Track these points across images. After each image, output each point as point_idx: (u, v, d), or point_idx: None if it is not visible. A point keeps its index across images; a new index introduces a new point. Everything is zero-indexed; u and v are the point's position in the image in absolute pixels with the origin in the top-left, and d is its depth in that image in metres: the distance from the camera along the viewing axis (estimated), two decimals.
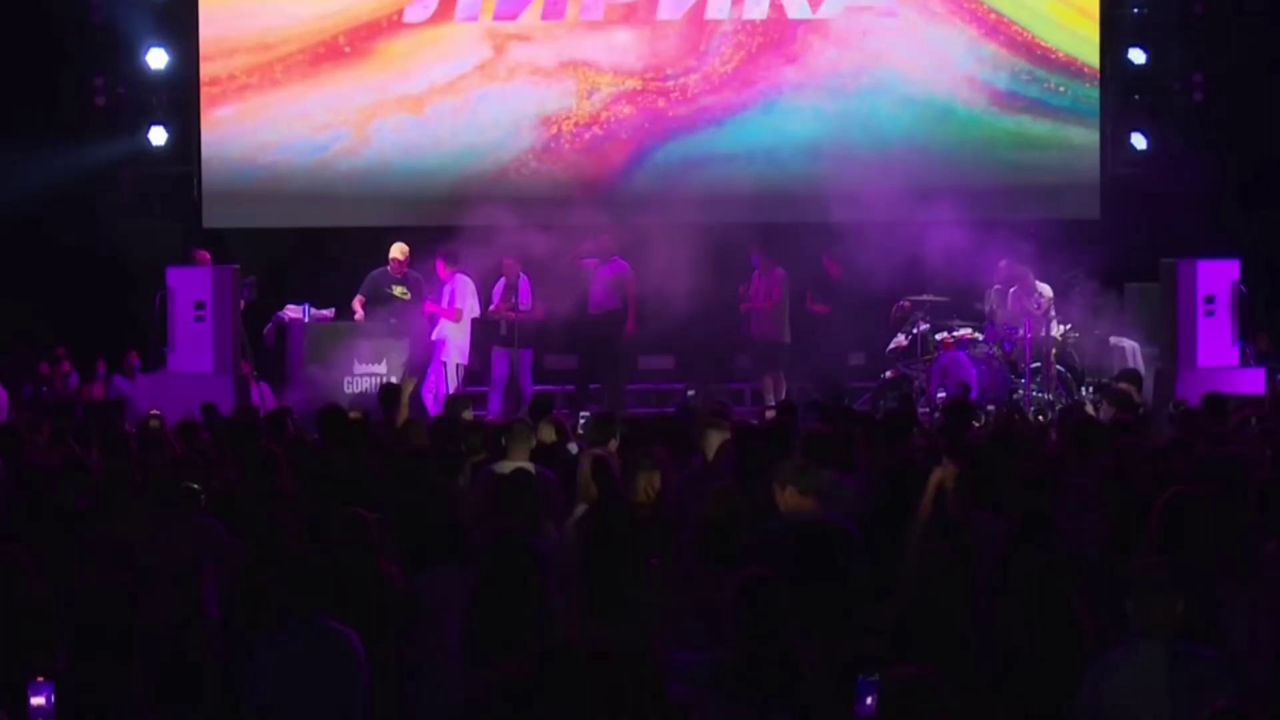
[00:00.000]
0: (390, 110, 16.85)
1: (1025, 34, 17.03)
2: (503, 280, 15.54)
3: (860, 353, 16.57)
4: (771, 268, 15.93)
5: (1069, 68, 17.06)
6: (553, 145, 16.99)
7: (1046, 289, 15.37)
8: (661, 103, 17.01)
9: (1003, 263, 15.88)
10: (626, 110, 17.00)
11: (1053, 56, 17.06)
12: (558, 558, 6.98)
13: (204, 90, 16.72)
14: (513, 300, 15.41)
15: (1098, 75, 17.06)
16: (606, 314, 15.83)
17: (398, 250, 15.29)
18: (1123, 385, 12.46)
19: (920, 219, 15.33)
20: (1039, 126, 17.09)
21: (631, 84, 16.99)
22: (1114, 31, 17.14)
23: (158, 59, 16.79)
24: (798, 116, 16.96)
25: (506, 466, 8.32)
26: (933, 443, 9.55)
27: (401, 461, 8.33)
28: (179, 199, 16.96)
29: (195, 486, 7.60)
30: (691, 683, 5.25)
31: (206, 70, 16.73)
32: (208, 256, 15.38)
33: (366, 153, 16.92)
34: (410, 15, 16.84)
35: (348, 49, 16.81)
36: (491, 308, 15.47)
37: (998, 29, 17.02)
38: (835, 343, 15.90)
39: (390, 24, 16.77)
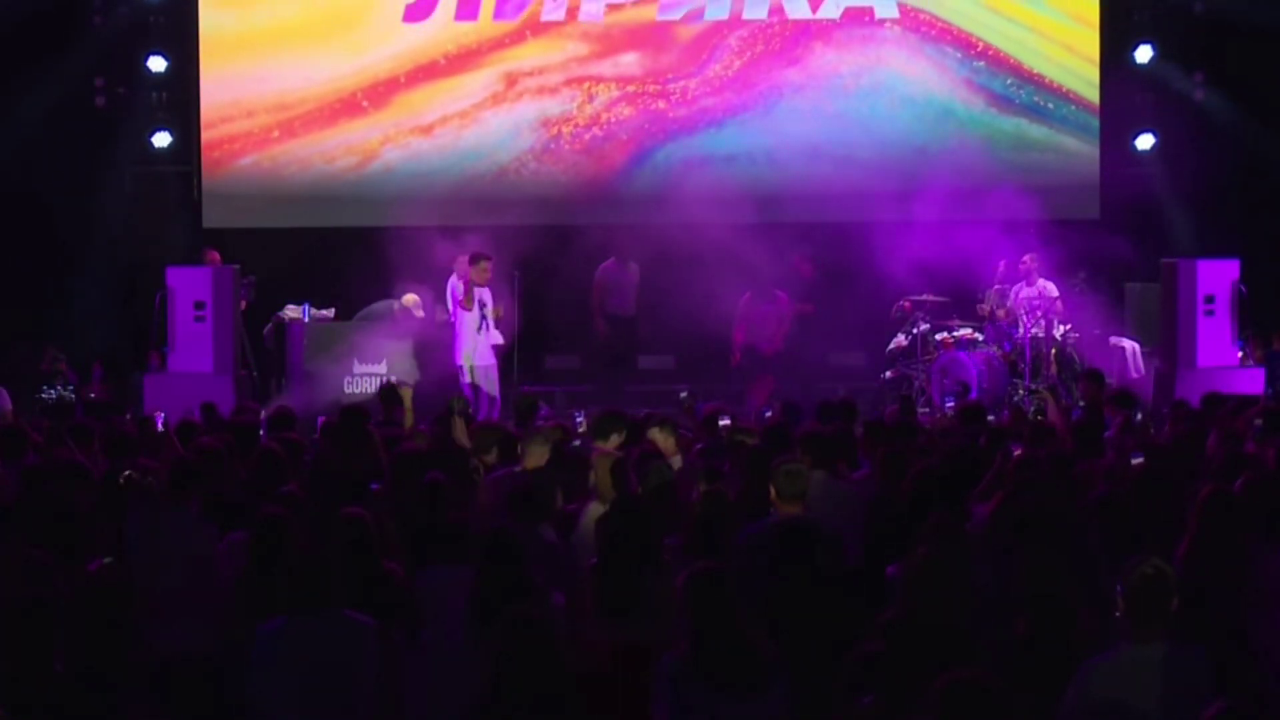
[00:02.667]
0: (403, 139, 16.93)
1: (1013, 59, 17.09)
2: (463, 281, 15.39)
3: (856, 352, 16.52)
4: (774, 293, 15.67)
5: (1058, 92, 17.09)
6: (553, 146, 17.00)
7: (1052, 287, 15.37)
8: (662, 104, 17.02)
9: (1002, 263, 15.89)
10: (627, 112, 17.02)
11: (1047, 83, 17.11)
12: (557, 557, 6.99)
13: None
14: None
15: (1095, 108, 17.07)
16: (631, 318, 15.80)
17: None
18: (1124, 387, 12.49)
19: (920, 219, 15.32)
20: (1037, 130, 17.13)
21: (632, 86, 17.00)
22: (1115, 31, 17.14)
23: (157, 60, 16.80)
24: (797, 118, 16.97)
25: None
26: (934, 443, 9.56)
27: (406, 461, 8.33)
28: (179, 199, 16.95)
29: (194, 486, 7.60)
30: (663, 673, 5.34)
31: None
32: (218, 257, 15.40)
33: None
34: (410, 16, 16.88)
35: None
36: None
37: (986, 53, 17.08)
38: (823, 342, 15.85)
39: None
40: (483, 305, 14.09)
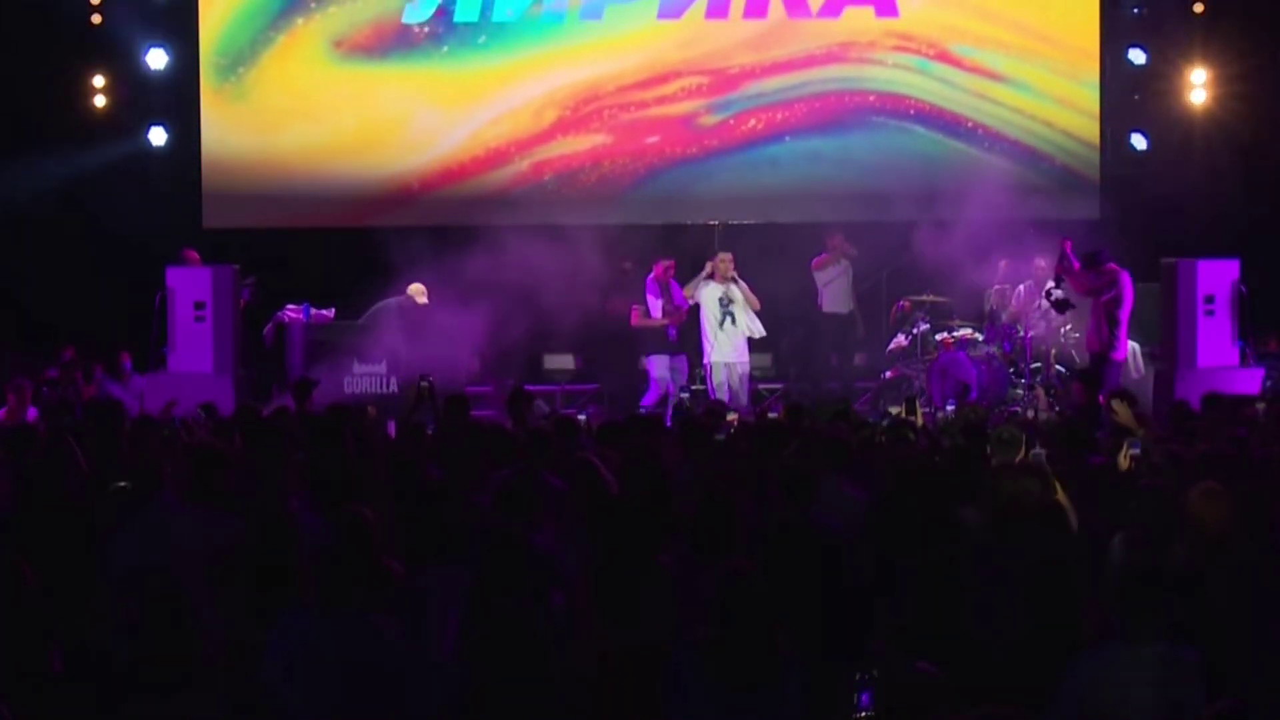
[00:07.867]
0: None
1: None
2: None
3: (856, 352, 16.51)
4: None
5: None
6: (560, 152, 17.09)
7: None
8: (663, 106, 17.05)
9: (1003, 263, 15.88)
10: (631, 116, 17.03)
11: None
12: (561, 558, 6.98)
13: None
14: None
15: (1094, 114, 17.13)
16: (848, 315, 15.89)
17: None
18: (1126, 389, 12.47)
19: (921, 219, 15.33)
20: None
21: (638, 90, 17.04)
22: (1114, 31, 17.15)
23: (158, 59, 16.81)
24: (798, 119, 17.01)
25: None
26: (934, 445, 9.56)
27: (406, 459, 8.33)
28: (179, 199, 16.95)
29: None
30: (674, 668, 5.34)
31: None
32: (196, 256, 15.34)
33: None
34: (409, 16, 16.91)
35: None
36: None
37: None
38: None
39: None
40: (728, 301, 14.23)
